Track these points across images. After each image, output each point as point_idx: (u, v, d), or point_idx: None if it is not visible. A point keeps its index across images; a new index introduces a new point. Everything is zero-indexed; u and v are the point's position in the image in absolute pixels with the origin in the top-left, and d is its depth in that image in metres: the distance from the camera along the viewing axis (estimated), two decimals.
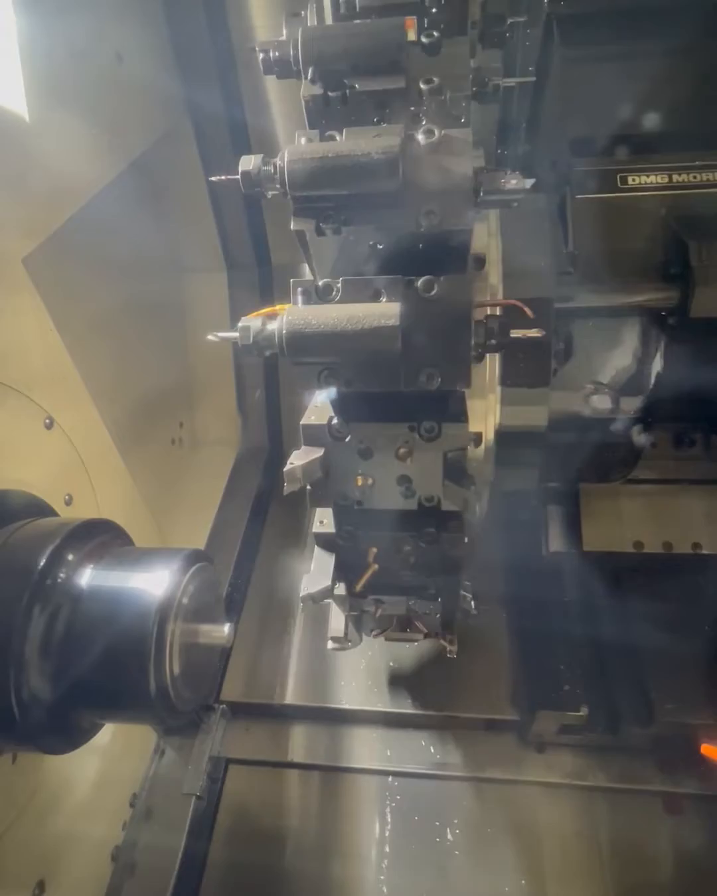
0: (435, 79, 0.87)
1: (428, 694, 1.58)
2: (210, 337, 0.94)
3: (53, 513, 1.14)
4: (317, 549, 1.11)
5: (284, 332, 0.82)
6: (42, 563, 0.90)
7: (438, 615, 1.20)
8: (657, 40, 1.25)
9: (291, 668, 1.70)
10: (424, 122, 0.83)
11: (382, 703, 1.58)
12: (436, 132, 0.79)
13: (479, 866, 1.35)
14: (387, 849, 1.39)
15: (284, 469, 0.94)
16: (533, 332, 0.88)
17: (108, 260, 1.73)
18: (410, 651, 1.70)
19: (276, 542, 2.07)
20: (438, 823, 1.41)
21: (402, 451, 0.93)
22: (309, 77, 0.88)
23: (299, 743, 1.58)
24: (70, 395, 1.29)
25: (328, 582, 1.06)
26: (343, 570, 1.11)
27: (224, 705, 1.60)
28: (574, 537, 1.58)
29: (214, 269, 2.18)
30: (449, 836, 1.39)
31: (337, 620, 1.16)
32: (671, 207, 1.23)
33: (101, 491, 1.31)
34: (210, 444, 2.28)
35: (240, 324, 0.88)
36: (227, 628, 1.01)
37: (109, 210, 1.53)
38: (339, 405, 0.95)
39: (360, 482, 0.97)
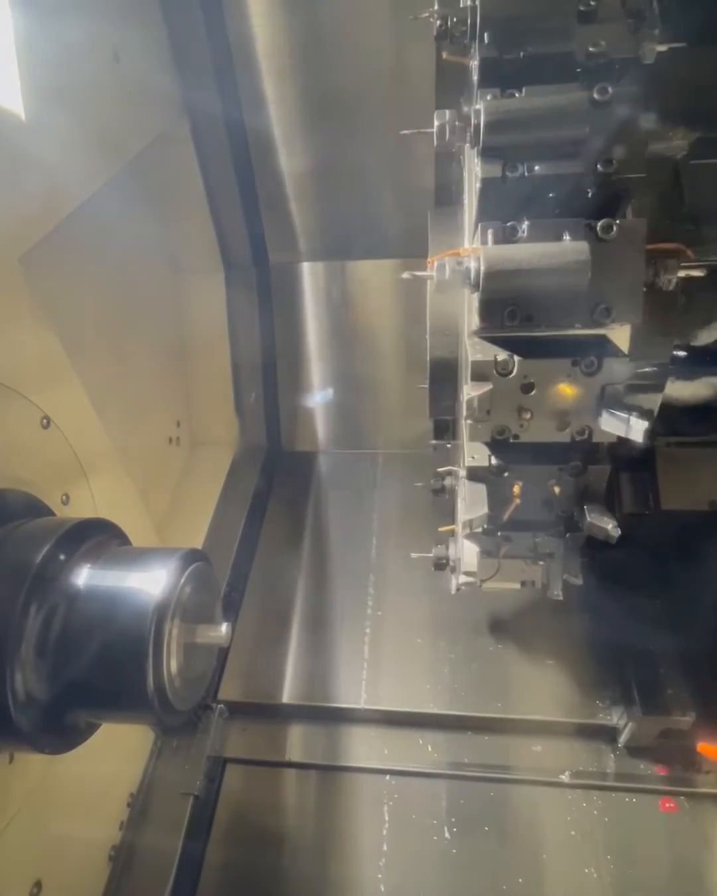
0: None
1: (426, 692, 1.59)
2: (405, 275, 1.04)
3: (50, 512, 1.14)
4: (468, 484, 1.16)
5: (482, 268, 0.89)
6: (38, 563, 0.90)
7: (560, 555, 1.24)
8: None
9: (288, 668, 1.70)
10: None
11: (379, 701, 1.59)
12: (609, 90, 0.89)
13: (477, 864, 1.35)
14: (385, 848, 1.39)
15: (464, 399, 1.02)
16: (696, 272, 1.00)
17: (106, 259, 1.73)
18: (406, 650, 1.70)
19: (274, 542, 2.07)
20: (435, 822, 1.42)
21: (563, 385, 1.00)
22: (486, 40, 0.95)
23: (297, 742, 1.58)
24: (67, 394, 1.29)
25: (485, 509, 1.10)
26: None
27: (222, 705, 1.61)
28: (647, 500, 1.59)
29: (211, 270, 2.18)
30: (447, 835, 1.39)
31: (470, 556, 1.22)
32: None
33: (99, 490, 1.31)
34: (208, 444, 2.28)
35: (435, 263, 0.97)
36: (224, 628, 1.01)
37: (106, 210, 1.53)
38: (507, 343, 1.02)
39: (520, 416, 1.03)
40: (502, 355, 0.96)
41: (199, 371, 2.25)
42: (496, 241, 0.94)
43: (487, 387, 0.99)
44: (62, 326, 1.27)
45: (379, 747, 1.54)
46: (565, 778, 1.43)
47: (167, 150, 1.85)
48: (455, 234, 1.37)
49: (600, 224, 0.91)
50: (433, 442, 2.04)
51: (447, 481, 1.61)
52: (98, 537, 1.03)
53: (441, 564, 1.40)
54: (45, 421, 1.17)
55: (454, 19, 1.08)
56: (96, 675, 0.92)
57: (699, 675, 1.44)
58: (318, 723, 1.60)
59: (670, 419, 1.36)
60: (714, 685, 1.42)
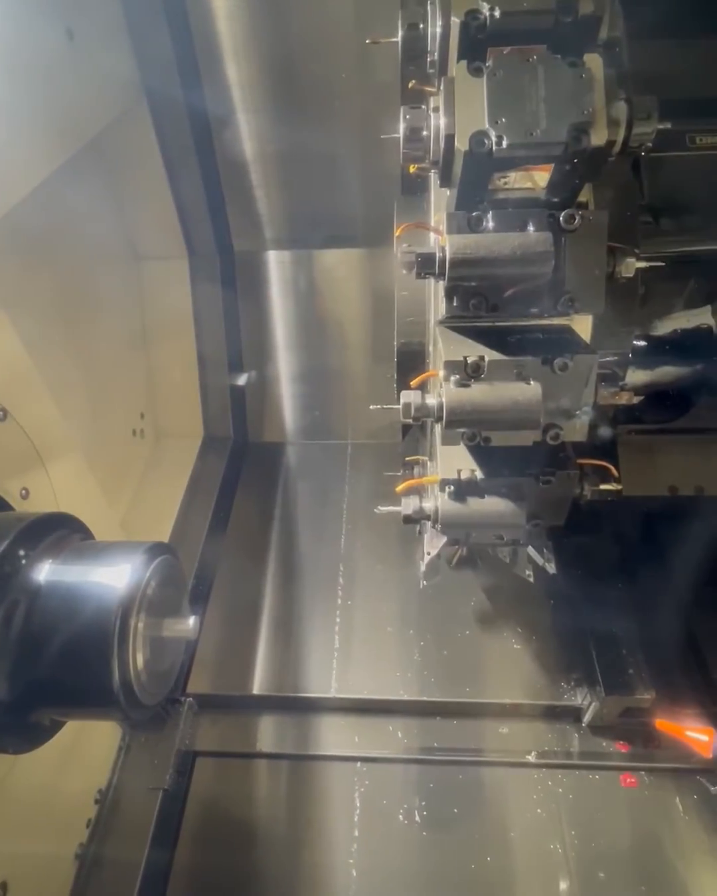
0: None
1: (396, 680, 1.60)
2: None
3: (9, 507, 1.11)
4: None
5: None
6: None
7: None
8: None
9: (258, 659, 1.70)
10: None
11: (350, 690, 1.60)
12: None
13: (446, 845, 1.38)
14: (356, 833, 1.41)
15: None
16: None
17: (63, 245, 1.67)
18: (376, 639, 1.71)
19: (242, 534, 2.05)
20: (406, 806, 1.44)
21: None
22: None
23: (268, 733, 1.58)
24: (25, 386, 1.25)
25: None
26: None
27: (191, 698, 1.59)
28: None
29: (174, 256, 2.14)
30: (417, 818, 1.42)
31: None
32: None
33: (59, 484, 1.28)
34: (173, 436, 2.25)
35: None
36: (192, 621, 1.00)
37: (63, 194, 1.48)
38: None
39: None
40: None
41: (163, 361, 2.20)
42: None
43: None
44: (18, 315, 1.22)
45: (349, 735, 1.55)
46: (531, 758, 1.47)
47: (126, 133, 1.79)
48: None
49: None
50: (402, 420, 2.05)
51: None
52: (59, 532, 1.00)
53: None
54: (1, 413, 1.14)
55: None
56: (61, 672, 0.90)
57: (659, 656, 1.49)
58: (288, 713, 1.60)
59: (629, 408, 1.40)
60: (674, 664, 1.48)
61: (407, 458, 1.65)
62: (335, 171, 2.07)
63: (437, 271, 0.93)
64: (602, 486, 1.09)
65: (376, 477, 2.21)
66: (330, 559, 1.95)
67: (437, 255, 0.93)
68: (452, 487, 1.11)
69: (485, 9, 0.87)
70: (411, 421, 1.01)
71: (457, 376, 0.96)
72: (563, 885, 1.31)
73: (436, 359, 1.18)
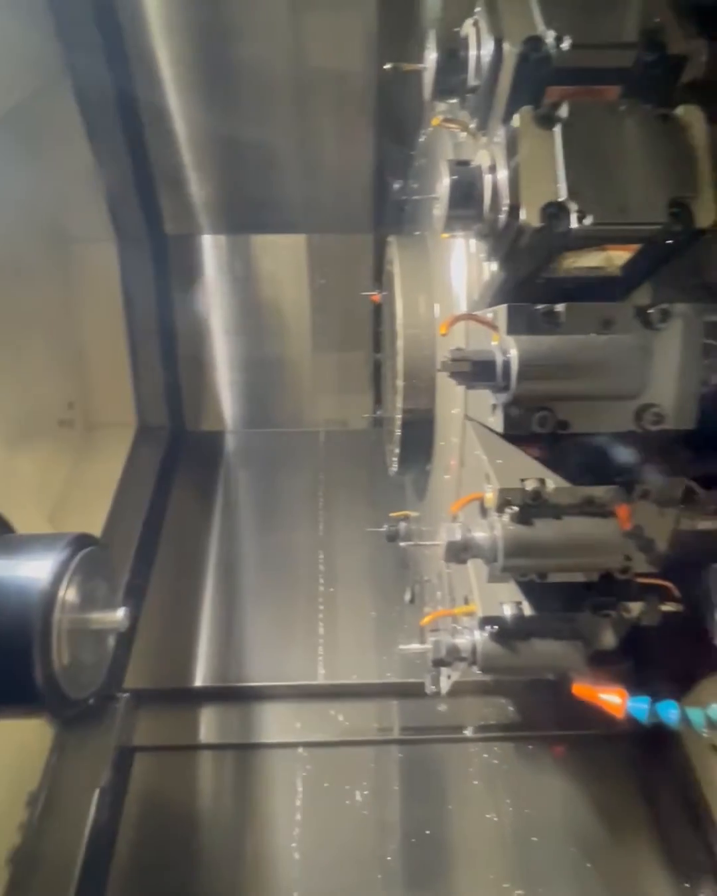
0: None
1: (335, 665, 1.62)
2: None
3: None
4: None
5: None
6: None
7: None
8: None
9: (199, 651, 1.68)
10: None
11: (290, 676, 1.60)
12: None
13: (387, 823, 1.41)
14: (298, 817, 1.42)
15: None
16: None
17: None
18: (314, 625, 1.72)
19: (181, 525, 2.01)
20: (348, 787, 1.46)
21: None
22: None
23: (208, 725, 1.57)
24: None
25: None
26: None
27: (128, 693, 1.56)
28: None
29: (102, 239, 2.06)
30: (358, 798, 1.44)
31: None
32: None
33: None
34: (105, 426, 2.17)
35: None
36: (121, 612, 0.97)
37: None
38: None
39: None
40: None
41: (92, 349, 2.12)
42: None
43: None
44: None
45: (291, 722, 1.55)
46: (468, 732, 1.51)
47: (48, 110, 1.70)
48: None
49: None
50: (369, 415, 2.01)
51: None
52: None
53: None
54: None
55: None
56: None
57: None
58: (229, 703, 1.59)
59: None
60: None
61: (392, 514, 1.55)
62: (273, 154, 2.04)
63: (499, 383, 0.74)
64: (663, 607, 0.89)
65: (315, 465, 2.21)
66: (271, 547, 1.95)
67: (498, 360, 0.73)
68: (494, 627, 0.88)
69: (549, 37, 0.69)
70: (456, 563, 0.81)
71: (513, 509, 0.75)
72: (499, 852, 1.36)
73: (465, 460, 1.00)
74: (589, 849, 1.35)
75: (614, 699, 0.80)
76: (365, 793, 1.45)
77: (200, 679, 1.62)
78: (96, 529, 1.83)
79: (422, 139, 1.39)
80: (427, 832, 1.39)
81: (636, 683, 0.87)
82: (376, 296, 1.70)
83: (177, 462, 2.21)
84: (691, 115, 0.69)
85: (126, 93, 1.86)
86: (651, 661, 1.36)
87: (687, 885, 1.31)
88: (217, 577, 1.87)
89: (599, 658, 0.91)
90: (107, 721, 1.49)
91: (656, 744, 1.46)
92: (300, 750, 1.52)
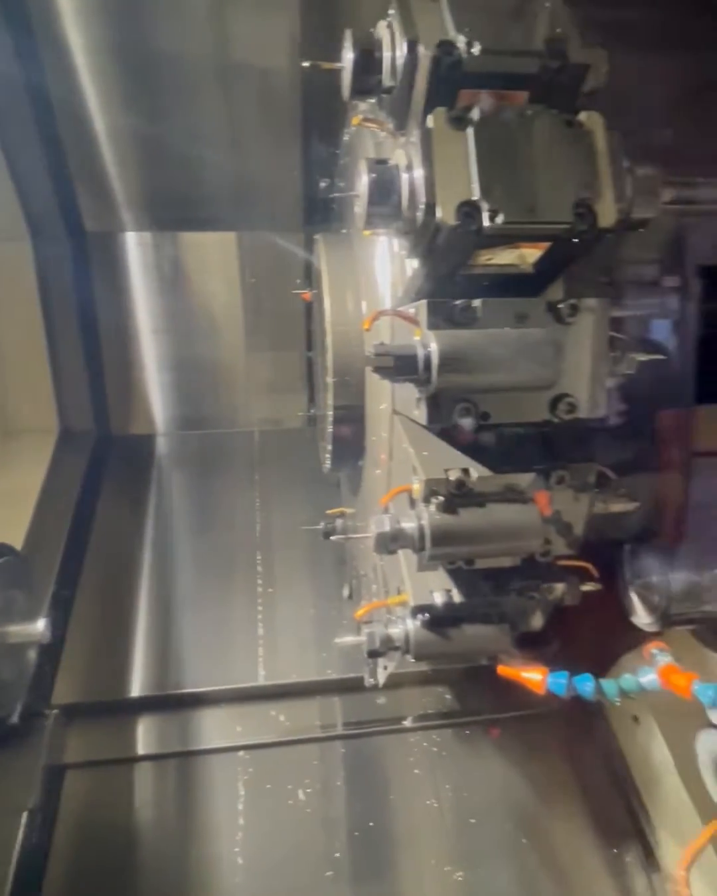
0: None
1: (272, 665, 1.61)
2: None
3: None
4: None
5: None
6: None
7: None
8: None
9: (133, 660, 1.63)
10: None
11: (228, 680, 1.58)
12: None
13: (330, 819, 1.41)
14: (241, 821, 1.41)
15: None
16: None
17: None
18: (252, 627, 1.71)
19: (110, 533, 1.95)
20: (290, 787, 1.45)
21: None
22: None
23: (145, 735, 1.52)
24: None
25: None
26: None
27: (57, 710, 1.49)
28: None
29: (15, 238, 1.96)
30: (301, 796, 1.44)
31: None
32: None
33: None
34: (24, 432, 2.07)
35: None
36: (41, 624, 0.94)
37: None
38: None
39: None
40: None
41: (8, 352, 2.01)
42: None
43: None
44: None
45: (231, 725, 1.53)
46: (407, 723, 1.54)
47: None
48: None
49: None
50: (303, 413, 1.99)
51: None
52: None
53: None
54: None
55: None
56: None
57: None
58: (167, 712, 1.55)
59: None
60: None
61: (328, 512, 1.56)
62: (198, 150, 2.00)
63: (421, 376, 0.76)
64: (584, 588, 0.95)
65: (249, 466, 2.19)
66: (205, 552, 1.91)
67: (419, 355, 0.76)
68: (426, 614, 0.91)
69: (460, 42, 0.71)
70: (387, 552, 0.83)
71: (439, 498, 0.77)
72: (440, 836, 1.40)
73: (394, 453, 1.03)
74: (524, 825, 1.41)
75: (535, 676, 0.84)
76: (308, 791, 1.45)
77: (136, 689, 1.57)
78: (17, 540, 1.74)
79: (346, 138, 1.40)
80: (371, 824, 1.41)
81: (563, 664, 0.92)
82: (307, 294, 1.71)
83: (104, 467, 2.13)
84: (593, 122, 0.73)
85: (36, 82, 1.78)
86: (576, 641, 1.42)
87: (615, 851, 1.39)
88: (151, 583, 1.83)
89: (526, 641, 0.96)
90: (34, 739, 1.42)
91: (584, 720, 1.54)
92: (242, 753, 1.50)
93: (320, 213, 1.78)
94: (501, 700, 1.56)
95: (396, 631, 0.93)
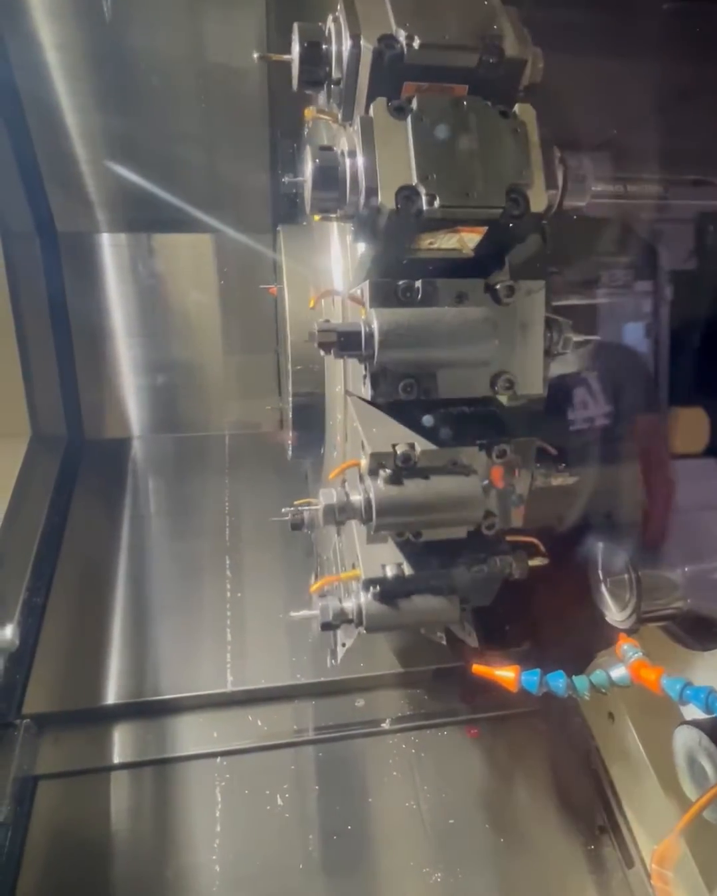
0: None
1: (249, 670, 1.59)
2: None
3: None
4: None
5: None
6: None
7: None
8: None
9: (108, 668, 1.60)
10: None
11: (204, 686, 1.56)
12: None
13: (309, 823, 1.41)
14: (218, 828, 1.39)
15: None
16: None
17: None
18: (224, 634, 1.69)
19: (83, 539, 1.91)
20: (268, 792, 1.44)
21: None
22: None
23: (119, 743, 1.50)
24: None
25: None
26: None
27: (28, 720, 1.46)
28: None
29: None
30: (279, 802, 1.43)
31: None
32: None
33: None
34: None
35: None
36: (8, 631, 0.92)
37: None
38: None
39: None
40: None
41: None
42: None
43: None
44: None
45: (208, 731, 1.51)
46: (386, 725, 1.54)
47: None
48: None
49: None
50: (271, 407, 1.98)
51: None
52: None
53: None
54: None
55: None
56: None
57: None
58: (141, 719, 1.53)
59: None
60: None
61: (296, 502, 1.55)
62: (171, 151, 1.98)
63: (363, 352, 0.79)
64: (531, 562, 0.99)
65: (225, 469, 2.17)
66: (183, 558, 1.89)
67: (362, 332, 0.79)
68: (377, 587, 0.94)
69: (401, 36, 0.74)
70: (334, 524, 0.86)
71: (386, 471, 0.81)
72: (418, 838, 1.39)
73: (348, 434, 1.05)
74: (501, 824, 1.41)
75: (508, 675, 0.84)
76: (286, 796, 1.43)
77: (109, 697, 1.54)
78: None
79: (306, 131, 1.41)
80: (349, 828, 1.40)
81: (543, 666, 0.92)
82: (273, 288, 1.70)
83: (77, 472, 2.10)
84: (526, 114, 0.78)
85: (5, 80, 1.75)
86: (550, 642, 1.44)
87: (592, 847, 1.40)
88: (125, 589, 1.80)
89: (499, 642, 0.97)
90: (3, 750, 1.39)
91: (560, 717, 1.55)
92: (219, 759, 1.48)
93: (285, 208, 1.78)
94: (477, 699, 1.57)
95: (349, 604, 0.97)
